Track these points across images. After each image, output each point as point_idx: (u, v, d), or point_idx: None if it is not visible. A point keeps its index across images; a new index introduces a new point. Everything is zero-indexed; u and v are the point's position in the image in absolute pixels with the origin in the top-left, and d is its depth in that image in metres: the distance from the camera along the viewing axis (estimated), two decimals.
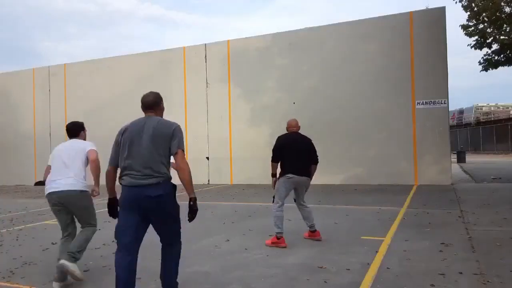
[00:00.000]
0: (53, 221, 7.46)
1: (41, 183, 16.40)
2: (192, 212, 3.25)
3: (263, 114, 13.75)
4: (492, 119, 41.38)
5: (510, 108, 48.96)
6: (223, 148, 14.12)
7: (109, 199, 3.32)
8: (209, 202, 9.07)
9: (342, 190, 10.90)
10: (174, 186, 3.21)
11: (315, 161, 5.41)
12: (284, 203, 5.18)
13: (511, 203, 7.72)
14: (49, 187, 4.00)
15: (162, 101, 3.47)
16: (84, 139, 4.58)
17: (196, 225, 6.55)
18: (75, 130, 4.49)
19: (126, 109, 15.61)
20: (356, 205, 8.18)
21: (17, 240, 5.89)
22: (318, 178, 12.07)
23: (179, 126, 3.30)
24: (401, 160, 11.99)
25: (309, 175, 5.28)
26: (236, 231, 5.96)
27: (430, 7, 12.28)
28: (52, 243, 5.54)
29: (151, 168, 3.04)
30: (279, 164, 5.24)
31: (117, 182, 3.28)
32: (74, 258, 3.74)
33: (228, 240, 5.39)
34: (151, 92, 3.44)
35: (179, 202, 3.32)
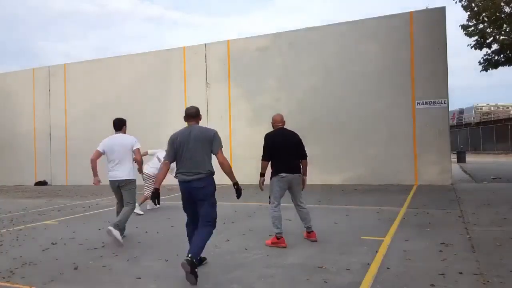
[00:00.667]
0: (53, 221, 7.47)
1: (41, 183, 16.47)
2: (238, 192, 4.37)
3: (263, 114, 13.73)
4: (492, 119, 41.38)
5: (510, 108, 48.97)
6: (223, 148, 14.08)
7: (155, 189, 4.19)
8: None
9: (342, 190, 10.89)
10: (213, 181, 4.24)
11: (304, 157, 5.23)
12: (280, 203, 5.13)
13: (511, 203, 7.72)
14: (110, 175, 5.79)
15: (200, 112, 4.39)
16: (125, 132, 5.96)
17: None
18: (120, 124, 5.80)
19: (126, 109, 15.61)
20: (356, 205, 8.18)
21: (17, 240, 5.89)
22: (318, 178, 12.19)
23: (217, 131, 4.30)
24: (401, 160, 11.98)
25: (301, 171, 5.16)
26: (236, 231, 5.96)
27: (430, 7, 12.28)
28: (52, 243, 5.55)
29: (198, 166, 4.08)
30: (269, 163, 5.15)
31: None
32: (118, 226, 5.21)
33: (228, 240, 5.39)
34: (192, 106, 4.39)
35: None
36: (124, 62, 15.90)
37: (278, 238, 4.96)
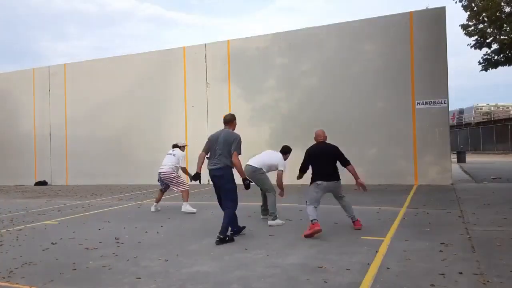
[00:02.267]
0: (53, 221, 7.47)
1: (41, 183, 16.47)
2: (245, 185, 5.43)
3: (263, 114, 13.75)
4: (492, 119, 41.37)
5: (510, 108, 48.95)
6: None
7: (197, 172, 5.49)
8: (209, 202, 9.06)
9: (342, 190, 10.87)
10: (231, 171, 5.36)
11: (347, 163, 6.13)
12: (318, 205, 5.72)
13: (511, 203, 7.72)
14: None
15: (235, 119, 5.68)
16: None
17: (196, 225, 6.58)
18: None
19: (126, 109, 15.65)
20: (356, 205, 8.13)
21: (17, 240, 5.89)
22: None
23: (239, 136, 5.50)
24: (401, 160, 11.98)
25: (338, 178, 5.99)
26: None
27: (430, 7, 12.27)
28: (52, 243, 5.55)
29: (219, 159, 5.34)
30: (310, 172, 5.89)
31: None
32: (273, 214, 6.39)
33: (228, 240, 5.38)
34: (229, 113, 5.70)
35: None
36: (124, 62, 15.90)
37: (313, 223, 5.46)
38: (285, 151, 6.90)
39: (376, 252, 4.54)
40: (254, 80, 13.82)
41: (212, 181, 5.45)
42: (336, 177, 5.92)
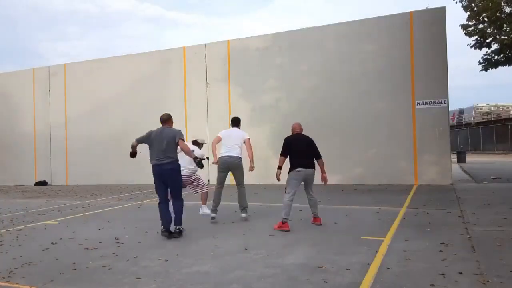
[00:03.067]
0: (53, 221, 7.47)
1: (41, 183, 16.47)
2: (197, 163, 5.90)
3: (263, 114, 13.75)
4: (492, 119, 41.36)
5: (510, 108, 48.93)
6: None
7: (131, 152, 6.07)
8: (209, 202, 9.05)
9: (342, 190, 10.89)
10: (178, 165, 5.80)
11: (319, 157, 6.39)
12: (295, 193, 6.08)
13: (511, 203, 7.72)
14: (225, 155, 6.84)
15: (172, 117, 6.03)
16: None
17: (196, 225, 6.57)
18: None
19: (126, 109, 15.64)
20: (356, 205, 8.18)
21: (17, 240, 5.89)
22: (318, 178, 12.16)
23: (179, 130, 5.86)
24: (401, 160, 11.98)
25: (314, 167, 6.24)
26: (236, 231, 5.96)
27: (430, 7, 12.27)
28: (52, 243, 5.55)
29: (167, 155, 5.65)
30: (288, 160, 6.17)
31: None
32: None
33: (228, 240, 5.39)
34: (165, 113, 6.05)
35: None
36: (124, 62, 15.90)
37: (283, 223, 5.89)
38: (239, 122, 7.36)
39: (376, 252, 4.54)
40: (254, 80, 13.81)
41: (159, 175, 5.67)
42: (313, 166, 6.24)
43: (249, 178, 13.60)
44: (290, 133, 6.62)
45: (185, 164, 7.69)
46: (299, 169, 6.05)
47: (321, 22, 68.20)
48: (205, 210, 7.71)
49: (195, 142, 8.25)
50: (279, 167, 6.21)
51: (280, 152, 6.25)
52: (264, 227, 6.19)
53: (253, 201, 9.26)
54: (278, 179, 6.21)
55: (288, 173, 6.13)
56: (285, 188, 6.12)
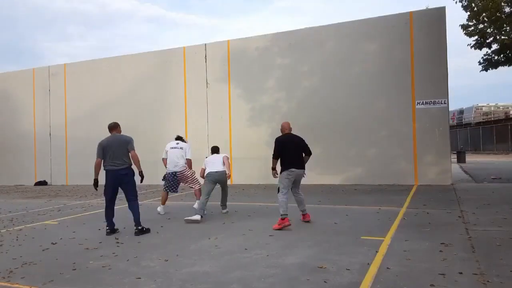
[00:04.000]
0: (53, 221, 7.48)
1: (41, 183, 16.47)
2: (142, 177, 6.16)
3: (263, 114, 13.75)
4: (492, 119, 41.34)
5: (510, 108, 48.91)
6: (223, 148, 14.09)
7: (95, 179, 6.15)
8: (209, 202, 9.05)
9: (342, 190, 10.89)
10: (132, 169, 6.14)
11: (309, 153, 6.51)
12: (288, 191, 6.19)
13: (511, 203, 7.72)
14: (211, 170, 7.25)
15: (119, 125, 6.37)
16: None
17: (196, 225, 6.58)
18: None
19: (126, 109, 15.64)
20: (356, 205, 8.18)
21: (17, 240, 5.89)
22: (318, 178, 12.20)
23: (131, 137, 6.29)
24: (401, 160, 11.98)
25: (304, 167, 6.36)
26: (236, 231, 5.96)
27: (430, 7, 12.27)
28: (52, 243, 5.55)
29: (121, 160, 6.04)
30: (279, 160, 6.28)
31: None
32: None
33: (228, 240, 5.39)
34: (112, 122, 6.36)
35: None
36: (124, 62, 15.90)
37: (283, 218, 5.94)
38: (218, 150, 7.92)
39: (376, 252, 4.54)
40: (254, 80, 13.81)
41: (114, 179, 6.02)
42: (304, 166, 6.37)
43: (249, 178, 13.71)
44: (295, 133, 6.66)
45: (177, 160, 7.79)
46: (292, 169, 6.17)
47: (321, 22, 68.22)
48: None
49: (179, 138, 8.17)
50: (273, 168, 6.37)
51: (273, 155, 6.35)
52: (264, 227, 6.19)
53: (253, 201, 9.27)
54: (275, 177, 6.45)
55: (280, 173, 6.26)
56: (278, 188, 6.22)
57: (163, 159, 8.06)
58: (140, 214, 6.17)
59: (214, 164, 7.33)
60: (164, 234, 5.96)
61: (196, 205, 7.66)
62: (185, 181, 7.83)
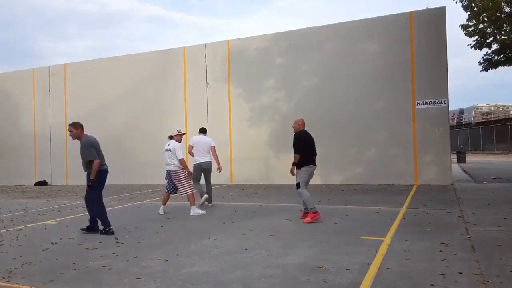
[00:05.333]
0: (53, 221, 7.47)
1: (41, 183, 16.46)
2: (89, 186, 6.25)
3: (263, 114, 13.75)
4: (492, 119, 41.34)
5: (510, 108, 48.90)
6: (223, 148, 14.10)
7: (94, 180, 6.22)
8: (207, 202, 9.06)
9: (342, 190, 10.89)
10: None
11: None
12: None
13: (511, 203, 7.72)
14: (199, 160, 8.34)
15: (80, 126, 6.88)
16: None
17: (196, 225, 6.58)
18: (205, 130, 8.25)
19: (126, 109, 15.65)
20: (356, 205, 8.18)
21: (17, 240, 5.89)
22: (318, 178, 12.19)
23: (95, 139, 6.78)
24: (401, 160, 11.98)
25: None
26: (236, 231, 5.95)
27: (430, 7, 12.27)
28: (52, 243, 5.55)
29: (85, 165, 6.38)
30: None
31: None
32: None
33: (228, 240, 5.39)
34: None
35: None
36: (124, 62, 15.90)
37: (314, 212, 6.28)
38: (205, 130, 8.87)
39: (376, 252, 4.54)
40: (254, 80, 13.82)
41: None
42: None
43: (249, 178, 13.71)
44: (292, 132, 6.69)
45: (169, 160, 7.67)
46: (311, 165, 6.44)
47: (321, 22, 68.19)
48: (196, 210, 7.58)
49: (171, 137, 7.94)
50: (295, 164, 6.44)
51: (296, 150, 6.45)
52: (264, 227, 6.19)
53: (253, 201, 9.27)
54: (293, 174, 6.55)
55: (299, 168, 6.42)
56: (297, 184, 6.38)
57: None
58: (140, 214, 6.17)
59: (203, 152, 8.33)
60: (164, 234, 5.96)
61: (192, 212, 7.57)
62: (178, 183, 7.67)
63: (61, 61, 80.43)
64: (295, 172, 6.53)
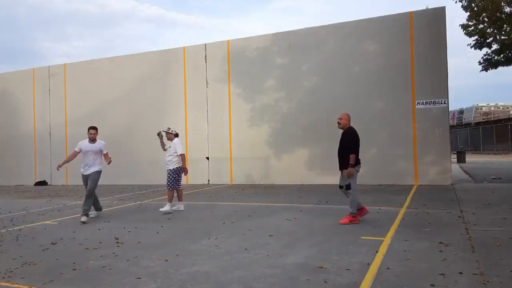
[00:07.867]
0: (53, 221, 7.47)
1: (41, 183, 16.46)
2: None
3: (263, 114, 13.75)
4: (492, 119, 41.34)
5: (510, 108, 48.90)
6: (223, 148, 14.12)
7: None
8: (209, 202, 9.06)
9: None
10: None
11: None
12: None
13: (511, 203, 7.72)
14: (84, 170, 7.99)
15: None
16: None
17: (196, 225, 6.58)
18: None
19: (126, 109, 15.65)
20: None
21: (17, 240, 5.89)
22: (318, 178, 12.19)
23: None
24: (401, 160, 11.98)
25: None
26: (236, 231, 5.95)
27: (430, 7, 12.27)
28: (52, 243, 5.55)
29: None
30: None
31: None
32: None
33: (228, 240, 5.39)
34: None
35: None
36: (124, 62, 15.90)
37: (354, 216, 6.09)
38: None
39: (376, 252, 4.54)
40: (254, 80, 13.82)
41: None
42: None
43: (249, 178, 13.71)
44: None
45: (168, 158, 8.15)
46: (359, 165, 6.19)
47: (321, 22, 68.17)
48: (166, 208, 7.84)
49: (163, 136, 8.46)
50: (353, 165, 6.06)
51: (353, 149, 6.10)
52: (264, 227, 6.19)
53: (253, 201, 9.27)
54: (351, 177, 6.11)
55: (352, 166, 6.05)
56: (348, 185, 6.09)
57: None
58: (140, 214, 6.17)
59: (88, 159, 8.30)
60: (164, 234, 5.96)
61: (162, 208, 7.84)
62: (168, 177, 8.11)
63: (61, 61, 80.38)
64: (353, 173, 6.08)
